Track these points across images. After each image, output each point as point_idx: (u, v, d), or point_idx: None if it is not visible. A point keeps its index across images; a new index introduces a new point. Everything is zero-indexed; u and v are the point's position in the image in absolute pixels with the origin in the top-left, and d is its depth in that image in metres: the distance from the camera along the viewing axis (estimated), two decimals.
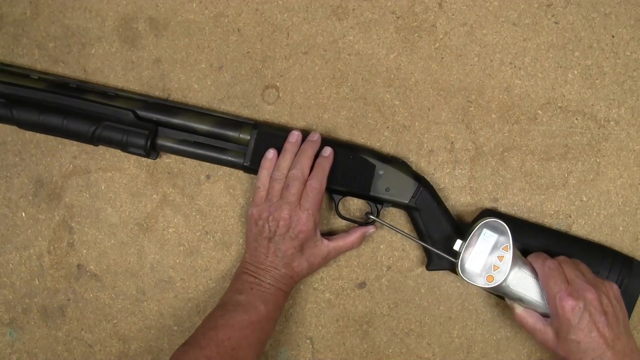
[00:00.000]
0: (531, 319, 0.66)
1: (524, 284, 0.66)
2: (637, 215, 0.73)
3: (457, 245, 0.67)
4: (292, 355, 0.76)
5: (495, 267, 0.66)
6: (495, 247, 0.66)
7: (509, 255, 0.66)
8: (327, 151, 0.69)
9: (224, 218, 0.76)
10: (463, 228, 0.71)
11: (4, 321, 0.77)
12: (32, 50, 0.75)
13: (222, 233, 0.76)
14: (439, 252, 0.69)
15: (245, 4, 0.74)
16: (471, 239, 0.67)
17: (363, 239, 0.73)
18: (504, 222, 0.66)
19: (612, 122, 0.73)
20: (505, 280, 0.65)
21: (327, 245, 0.71)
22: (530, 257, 0.67)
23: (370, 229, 0.73)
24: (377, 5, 0.74)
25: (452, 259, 0.68)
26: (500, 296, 0.70)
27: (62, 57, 0.75)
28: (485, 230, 0.66)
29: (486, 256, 0.66)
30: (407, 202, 0.70)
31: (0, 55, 0.75)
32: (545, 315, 0.66)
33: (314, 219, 0.68)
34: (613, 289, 0.64)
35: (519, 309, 0.67)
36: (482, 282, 0.66)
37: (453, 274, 0.73)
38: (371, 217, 0.71)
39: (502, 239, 0.66)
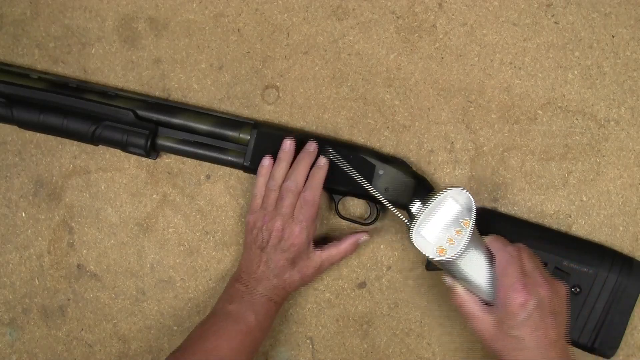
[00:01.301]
0: (471, 304, 0.62)
1: (475, 265, 0.62)
2: (637, 215, 0.73)
3: (415, 207, 0.62)
4: (292, 355, 0.76)
5: (451, 241, 0.61)
6: (455, 220, 0.61)
7: (467, 231, 0.60)
8: (322, 161, 0.68)
9: (224, 218, 0.76)
10: None
11: (4, 321, 0.77)
12: (32, 50, 0.75)
13: (222, 233, 0.76)
14: (393, 208, 0.65)
15: (245, 4, 0.74)
16: (432, 204, 0.61)
17: (356, 246, 0.72)
18: (477, 204, 0.63)
19: (612, 122, 0.73)
20: (457, 256, 0.61)
21: (319, 256, 0.70)
22: (489, 239, 0.64)
23: (363, 236, 0.72)
24: (377, 5, 0.74)
25: (406, 221, 0.63)
26: (438, 269, 0.67)
27: (62, 57, 0.75)
28: (449, 200, 0.61)
29: (443, 227, 0.61)
30: (407, 202, 0.70)
31: (0, 55, 0.75)
32: (486, 303, 0.62)
33: (308, 231, 0.68)
34: (564, 290, 0.62)
35: (459, 289, 0.63)
36: (431, 253, 0.61)
37: None
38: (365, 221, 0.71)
39: (464, 213, 0.61)
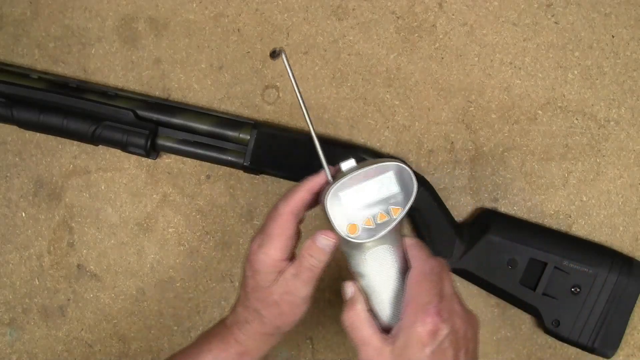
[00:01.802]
0: (368, 329, 0.51)
1: (385, 266, 0.51)
2: (637, 215, 0.73)
3: (347, 165, 0.51)
4: (292, 355, 0.76)
5: (369, 222, 0.50)
6: (386, 201, 0.50)
7: (394, 221, 0.50)
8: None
9: (224, 218, 0.76)
10: (463, 228, 0.72)
11: (4, 321, 0.77)
12: (32, 50, 0.75)
13: (222, 233, 0.76)
14: (323, 159, 0.51)
15: (245, 4, 0.74)
16: (368, 170, 0.50)
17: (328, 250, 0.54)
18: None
19: (612, 122, 0.73)
20: (368, 242, 0.50)
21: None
22: (410, 243, 0.53)
23: (320, 238, 0.54)
24: (377, 5, 0.74)
25: (329, 176, 0.51)
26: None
27: (62, 57, 0.75)
28: (391, 174, 0.50)
29: (369, 202, 0.50)
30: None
31: (0, 55, 0.75)
32: (384, 329, 0.51)
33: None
34: (478, 324, 0.52)
35: (359, 307, 0.52)
36: (340, 225, 0.50)
37: (453, 274, 0.73)
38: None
39: (400, 198, 0.50)
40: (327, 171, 0.51)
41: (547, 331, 0.70)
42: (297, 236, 0.55)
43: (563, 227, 0.74)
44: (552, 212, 0.74)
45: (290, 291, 0.54)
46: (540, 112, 0.74)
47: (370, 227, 0.50)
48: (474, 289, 0.75)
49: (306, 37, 0.74)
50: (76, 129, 0.70)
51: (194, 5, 0.75)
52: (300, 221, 0.55)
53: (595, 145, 0.73)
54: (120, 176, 0.76)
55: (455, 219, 0.72)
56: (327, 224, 0.51)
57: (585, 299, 0.68)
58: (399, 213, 0.50)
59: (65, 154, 0.76)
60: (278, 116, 0.75)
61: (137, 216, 0.76)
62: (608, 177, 0.73)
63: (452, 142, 0.74)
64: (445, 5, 0.74)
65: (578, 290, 0.69)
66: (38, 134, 0.76)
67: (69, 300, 0.77)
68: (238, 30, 0.75)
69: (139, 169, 0.76)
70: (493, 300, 0.75)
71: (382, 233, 0.50)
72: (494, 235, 0.70)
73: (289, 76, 0.51)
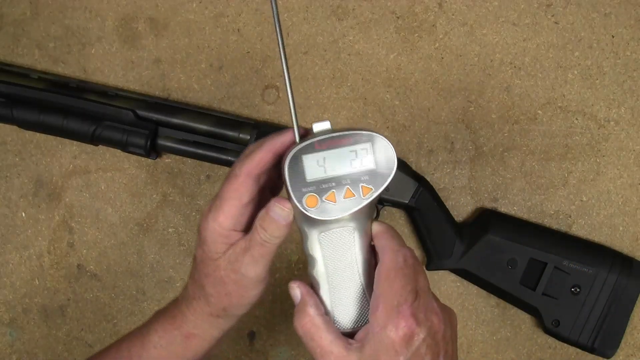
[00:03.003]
0: (326, 334, 0.43)
1: (346, 254, 0.44)
2: (637, 215, 0.73)
3: (320, 126, 0.44)
4: (292, 355, 0.76)
5: (332, 198, 0.43)
6: (357, 177, 0.43)
7: (362, 201, 0.43)
8: None
9: None
10: (463, 228, 0.72)
11: (4, 321, 0.77)
12: (32, 50, 0.75)
13: None
14: (296, 121, 0.45)
15: (245, 4, 0.74)
16: (343, 136, 0.43)
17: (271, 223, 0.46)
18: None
19: (612, 122, 0.73)
20: (326, 223, 0.43)
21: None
22: (379, 230, 0.46)
23: (274, 206, 0.46)
24: (377, 5, 0.74)
25: (296, 133, 0.44)
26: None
27: (62, 57, 0.75)
28: (368, 146, 0.43)
29: (336, 174, 0.43)
30: (406, 202, 0.70)
31: (0, 55, 0.75)
32: (347, 334, 0.44)
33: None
34: (455, 318, 0.46)
35: (311, 309, 0.44)
36: (298, 195, 0.42)
37: (453, 274, 0.73)
38: None
39: (375, 176, 0.43)
40: (295, 129, 0.44)
41: (547, 331, 0.70)
42: (257, 205, 0.46)
43: (563, 227, 0.74)
44: (552, 212, 0.74)
45: (237, 269, 0.45)
46: (540, 112, 0.74)
47: (333, 203, 0.43)
48: (474, 289, 0.75)
49: (306, 37, 0.74)
50: (76, 129, 0.70)
51: (194, 5, 0.75)
52: (263, 188, 0.47)
53: (595, 145, 0.73)
54: (120, 176, 0.76)
55: (455, 219, 0.72)
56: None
57: (585, 299, 0.68)
58: (369, 194, 0.43)
59: (65, 154, 0.76)
60: (278, 116, 0.75)
61: (137, 216, 0.76)
62: (608, 177, 0.73)
63: (452, 142, 0.74)
64: (445, 5, 0.74)
65: (578, 290, 0.69)
66: (38, 134, 0.75)
67: (69, 300, 0.77)
68: (238, 30, 0.75)
69: (139, 169, 0.76)
70: (493, 300, 0.75)
71: (345, 213, 0.42)
72: (494, 235, 0.70)
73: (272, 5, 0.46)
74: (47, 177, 0.76)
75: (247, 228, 0.46)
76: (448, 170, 0.74)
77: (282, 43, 0.45)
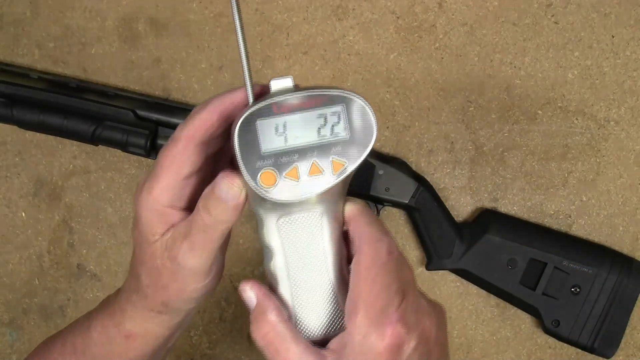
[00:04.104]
0: (294, 346, 0.35)
1: (310, 246, 0.36)
2: (637, 215, 0.73)
3: (282, 83, 0.36)
4: None
5: (294, 175, 0.34)
6: (327, 147, 0.35)
7: (332, 180, 0.35)
8: None
9: None
10: (463, 228, 0.72)
11: (4, 321, 0.77)
12: (32, 50, 0.75)
13: None
14: (248, 78, 0.37)
15: (245, 4, 0.74)
16: (307, 96, 0.35)
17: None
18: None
19: (612, 122, 0.73)
20: (287, 206, 0.35)
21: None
22: (355, 214, 0.38)
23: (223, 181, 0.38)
24: (377, 5, 0.74)
25: (250, 95, 0.37)
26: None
27: (62, 57, 0.75)
28: (340, 109, 0.35)
29: (300, 143, 0.34)
30: (406, 202, 0.70)
31: (0, 55, 0.75)
32: (315, 343, 0.37)
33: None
34: (445, 314, 0.39)
35: (272, 316, 0.36)
36: (251, 170, 0.34)
37: (453, 274, 0.73)
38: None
39: (349, 147, 0.35)
40: (248, 87, 0.36)
41: (547, 331, 0.70)
42: (204, 181, 0.39)
43: (563, 227, 0.74)
44: (552, 212, 0.74)
45: (173, 257, 0.37)
46: (540, 112, 0.74)
47: (295, 181, 0.34)
48: (474, 289, 0.75)
49: (306, 37, 0.74)
50: (76, 129, 0.70)
51: (194, 5, 0.75)
52: (215, 161, 0.40)
53: (595, 145, 0.73)
54: (120, 176, 0.76)
55: (455, 219, 0.72)
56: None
57: (585, 299, 0.68)
58: (341, 170, 0.34)
59: (65, 154, 0.76)
60: None
61: None
62: (608, 177, 0.73)
63: (452, 142, 0.74)
64: (445, 5, 0.74)
65: (578, 290, 0.69)
66: (38, 134, 0.75)
67: (69, 300, 0.77)
68: None
69: (139, 169, 0.76)
70: (493, 300, 0.75)
71: (310, 194, 0.35)
72: (494, 235, 0.70)
73: None
74: (47, 177, 0.76)
75: (191, 207, 0.38)
76: (448, 170, 0.74)
77: None
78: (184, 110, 0.72)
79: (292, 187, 0.34)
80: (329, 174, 0.35)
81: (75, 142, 0.75)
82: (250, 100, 0.36)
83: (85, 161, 0.76)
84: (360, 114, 0.35)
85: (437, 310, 0.38)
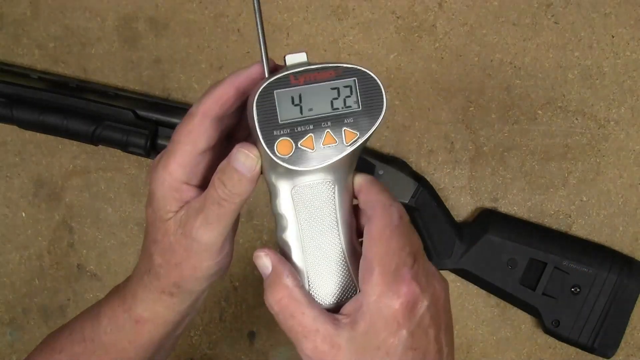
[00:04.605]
0: (310, 311, 0.36)
1: (323, 214, 0.37)
2: (637, 215, 0.73)
3: (296, 57, 0.38)
4: (293, 355, 0.76)
5: (308, 142, 0.36)
6: (340, 118, 0.36)
7: (345, 148, 0.36)
8: None
9: None
10: (463, 228, 0.72)
11: (4, 321, 0.77)
12: (32, 50, 0.75)
13: None
14: (265, 53, 0.40)
15: (245, 4, 0.74)
16: (321, 68, 0.37)
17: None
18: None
19: (612, 122, 0.73)
20: (301, 174, 0.37)
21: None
22: (365, 183, 0.39)
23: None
24: (377, 5, 0.74)
25: (266, 67, 0.39)
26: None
27: (62, 57, 0.75)
28: (352, 82, 0.37)
29: (315, 114, 0.36)
30: (406, 202, 0.70)
31: (0, 55, 0.75)
32: (330, 309, 0.38)
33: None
34: (448, 288, 0.40)
35: (288, 281, 0.37)
36: (268, 139, 0.36)
37: (453, 274, 0.73)
38: None
39: (360, 119, 0.36)
40: (264, 62, 0.38)
41: (547, 331, 0.70)
42: (217, 157, 0.39)
43: (563, 227, 0.74)
44: (552, 212, 0.74)
45: (188, 232, 0.38)
46: (540, 112, 0.74)
47: (310, 150, 0.36)
48: (474, 289, 0.75)
49: (306, 37, 0.74)
50: (76, 129, 0.70)
51: (194, 5, 0.75)
52: (227, 138, 0.40)
53: (595, 145, 0.73)
54: (120, 176, 0.76)
55: (455, 219, 0.72)
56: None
57: (585, 299, 0.68)
58: (352, 140, 0.36)
59: (65, 154, 0.76)
60: None
61: (137, 216, 0.76)
62: (608, 177, 0.73)
63: (452, 142, 0.74)
64: (445, 5, 0.74)
65: (578, 290, 0.69)
66: (38, 134, 0.75)
67: (69, 300, 0.77)
68: (238, 30, 0.75)
69: (139, 169, 0.76)
70: (493, 300, 0.75)
71: (324, 163, 0.36)
72: (494, 235, 0.70)
73: None
74: (47, 177, 0.76)
75: (205, 185, 0.39)
76: (448, 170, 0.74)
77: None
78: (184, 110, 0.71)
79: (308, 156, 0.36)
80: (341, 144, 0.36)
81: (75, 142, 0.75)
82: (267, 74, 0.38)
83: (85, 161, 0.76)
84: (371, 87, 0.37)
85: (443, 278, 0.39)
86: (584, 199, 0.74)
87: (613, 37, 0.73)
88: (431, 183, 0.72)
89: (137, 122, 0.70)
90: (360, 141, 0.37)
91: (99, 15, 0.75)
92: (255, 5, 0.38)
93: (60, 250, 0.77)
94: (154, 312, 0.42)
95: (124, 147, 0.70)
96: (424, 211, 0.70)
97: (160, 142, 0.71)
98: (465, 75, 0.74)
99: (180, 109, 0.72)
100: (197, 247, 0.38)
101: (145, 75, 0.75)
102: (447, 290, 0.39)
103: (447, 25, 0.74)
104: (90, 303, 0.77)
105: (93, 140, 0.70)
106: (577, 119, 0.73)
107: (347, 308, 0.37)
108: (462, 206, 0.74)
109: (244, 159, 0.36)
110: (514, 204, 0.74)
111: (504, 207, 0.74)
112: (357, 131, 0.37)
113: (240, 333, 0.76)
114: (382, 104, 0.37)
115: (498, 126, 0.74)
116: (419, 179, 0.71)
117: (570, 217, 0.74)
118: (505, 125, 0.74)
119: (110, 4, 0.75)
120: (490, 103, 0.74)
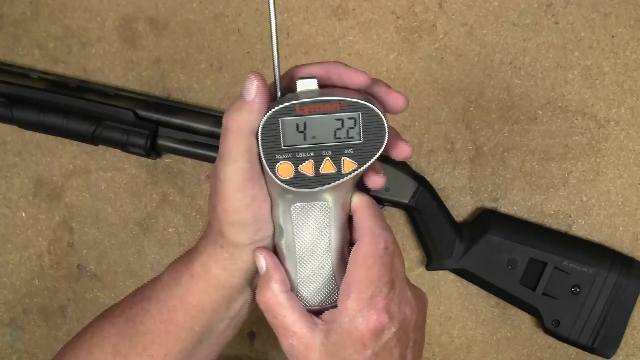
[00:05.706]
0: (291, 314, 0.41)
1: (317, 230, 0.40)
2: (637, 215, 0.73)
3: (304, 84, 0.40)
4: None
5: (308, 168, 0.39)
6: (341, 148, 0.39)
7: (342, 177, 0.39)
8: None
9: None
10: (463, 228, 0.72)
11: (4, 321, 0.77)
12: (32, 50, 0.75)
13: None
14: (278, 76, 0.42)
15: (245, 4, 0.74)
16: (329, 100, 0.38)
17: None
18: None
19: (612, 122, 0.73)
20: (299, 195, 0.39)
21: None
22: (360, 206, 0.41)
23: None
24: (377, 5, 0.74)
25: (278, 92, 0.41)
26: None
27: (62, 57, 0.75)
28: (357, 115, 0.38)
29: (317, 142, 0.38)
30: (406, 202, 0.70)
31: (0, 55, 0.75)
32: (311, 311, 0.42)
33: None
34: (426, 300, 0.44)
35: (275, 285, 0.41)
36: (270, 162, 0.38)
37: (453, 274, 0.73)
38: None
39: (360, 150, 0.38)
40: (277, 85, 0.40)
41: (547, 331, 0.70)
42: None
43: (563, 227, 0.74)
44: (552, 212, 0.74)
45: (217, 174, 0.41)
46: (540, 112, 0.74)
47: (309, 175, 0.38)
48: (474, 289, 0.75)
49: (306, 37, 0.74)
50: (76, 129, 0.70)
51: (194, 5, 0.75)
52: None
53: (595, 145, 0.73)
54: (120, 176, 0.76)
55: (455, 219, 0.72)
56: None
57: (585, 299, 0.68)
58: (351, 170, 0.38)
59: (65, 154, 0.76)
60: None
61: (137, 216, 0.76)
62: (608, 177, 0.73)
63: (452, 142, 0.74)
64: (445, 5, 0.74)
65: (578, 290, 0.69)
66: (38, 134, 0.75)
67: (69, 300, 0.77)
68: (238, 30, 0.75)
69: (139, 169, 0.76)
70: (493, 300, 0.75)
71: (321, 188, 0.38)
72: (494, 235, 0.70)
73: None
74: (47, 177, 0.76)
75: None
76: (448, 170, 0.74)
77: None
78: (184, 110, 0.72)
79: (306, 180, 0.39)
80: (339, 172, 0.39)
81: (75, 142, 0.75)
82: (279, 95, 0.40)
83: (85, 161, 0.76)
84: (375, 122, 0.38)
85: (419, 299, 0.43)
86: (584, 199, 0.74)
87: (613, 37, 0.73)
88: (431, 183, 0.72)
89: (137, 122, 0.70)
90: (357, 171, 0.39)
91: (99, 15, 0.75)
92: (273, 29, 0.40)
93: (60, 250, 0.77)
94: (207, 267, 0.44)
95: (124, 147, 0.70)
96: (424, 211, 0.70)
97: (160, 142, 0.71)
98: (465, 75, 0.74)
99: (181, 109, 0.72)
100: (220, 185, 0.40)
101: (145, 75, 0.75)
102: (422, 307, 0.42)
103: (447, 25, 0.74)
104: (90, 303, 0.77)
105: (93, 140, 0.70)
106: (577, 119, 0.73)
107: (326, 315, 0.42)
108: (462, 206, 0.74)
109: (249, 84, 0.39)
110: (514, 204, 0.74)
111: (504, 207, 0.74)
112: (356, 161, 0.39)
113: (240, 333, 0.76)
114: (384, 138, 0.39)
115: (498, 126, 0.74)
116: (419, 179, 0.71)
117: (570, 217, 0.74)
118: (505, 125, 0.74)
119: (110, 4, 0.75)
120: (490, 103, 0.74)
